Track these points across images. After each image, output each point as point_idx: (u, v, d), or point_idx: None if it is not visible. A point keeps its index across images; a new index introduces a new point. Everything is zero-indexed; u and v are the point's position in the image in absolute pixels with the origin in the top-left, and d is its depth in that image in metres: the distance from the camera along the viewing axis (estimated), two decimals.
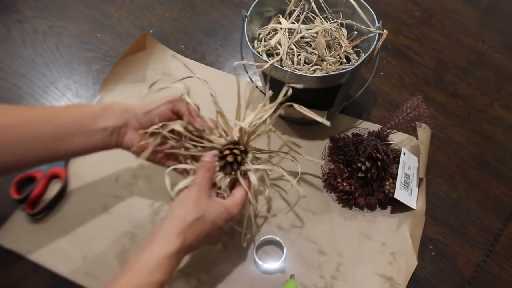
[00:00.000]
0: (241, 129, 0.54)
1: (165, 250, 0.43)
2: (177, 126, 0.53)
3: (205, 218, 0.47)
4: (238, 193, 0.53)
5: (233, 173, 0.54)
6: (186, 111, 0.53)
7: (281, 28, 0.67)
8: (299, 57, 0.65)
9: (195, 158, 0.56)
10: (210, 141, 0.55)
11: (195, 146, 0.55)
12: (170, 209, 0.48)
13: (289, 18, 0.69)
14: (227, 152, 0.53)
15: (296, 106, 0.54)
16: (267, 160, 0.58)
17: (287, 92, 0.52)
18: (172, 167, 0.54)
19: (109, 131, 0.51)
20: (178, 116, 0.54)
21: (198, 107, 0.55)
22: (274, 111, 0.53)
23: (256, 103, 0.56)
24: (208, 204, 0.49)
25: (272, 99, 0.53)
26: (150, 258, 0.43)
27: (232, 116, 0.55)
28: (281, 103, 0.52)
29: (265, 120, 0.54)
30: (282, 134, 0.72)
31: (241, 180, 0.53)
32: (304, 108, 0.54)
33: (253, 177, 0.53)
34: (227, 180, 0.54)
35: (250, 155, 0.55)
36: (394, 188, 0.63)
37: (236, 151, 0.53)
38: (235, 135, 0.55)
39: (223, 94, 0.56)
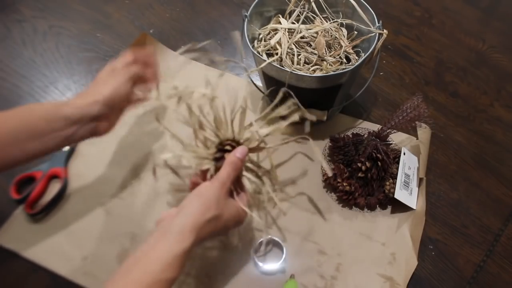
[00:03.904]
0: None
1: (179, 247, 0.42)
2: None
3: (221, 217, 0.46)
4: (244, 197, 0.52)
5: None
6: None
7: (281, 28, 0.67)
8: (299, 57, 0.65)
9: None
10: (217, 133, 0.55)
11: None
12: (188, 200, 0.46)
13: (289, 18, 0.69)
14: (228, 147, 0.54)
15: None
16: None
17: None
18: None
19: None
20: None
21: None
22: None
23: (254, 103, 0.56)
24: (226, 204, 0.47)
25: (271, 98, 0.53)
26: (163, 254, 0.41)
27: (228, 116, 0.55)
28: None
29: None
30: (282, 134, 0.72)
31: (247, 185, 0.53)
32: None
33: (247, 184, 0.53)
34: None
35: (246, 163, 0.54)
36: (394, 188, 0.63)
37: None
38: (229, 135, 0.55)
39: (223, 93, 0.56)
